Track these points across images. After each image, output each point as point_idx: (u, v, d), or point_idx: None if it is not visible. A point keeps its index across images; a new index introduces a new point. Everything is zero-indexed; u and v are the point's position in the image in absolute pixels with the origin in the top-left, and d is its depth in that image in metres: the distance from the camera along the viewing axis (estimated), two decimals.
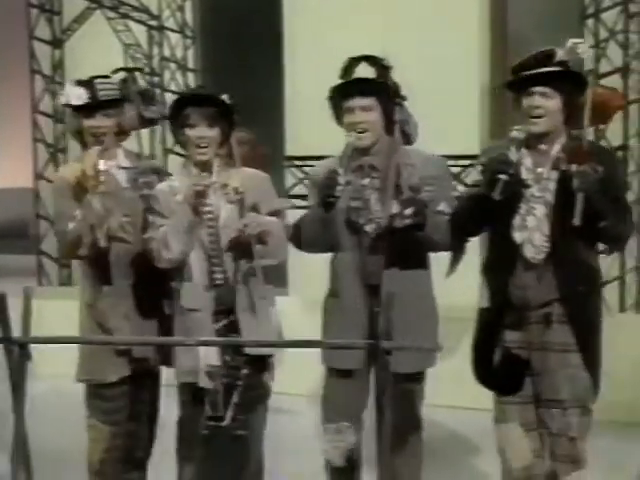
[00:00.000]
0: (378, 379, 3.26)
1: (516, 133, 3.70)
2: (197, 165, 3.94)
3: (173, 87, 8.86)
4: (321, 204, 3.91)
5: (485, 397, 3.88)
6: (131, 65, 8.63)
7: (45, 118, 9.18)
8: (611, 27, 7.98)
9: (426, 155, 4.06)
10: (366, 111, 3.91)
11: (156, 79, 8.85)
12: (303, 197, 4.67)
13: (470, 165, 6.41)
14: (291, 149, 7.60)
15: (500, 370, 3.75)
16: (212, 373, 3.90)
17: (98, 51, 8.80)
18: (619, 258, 6.73)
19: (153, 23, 8.93)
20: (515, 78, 3.74)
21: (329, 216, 3.93)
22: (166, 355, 4.14)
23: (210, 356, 3.89)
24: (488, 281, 3.81)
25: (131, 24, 8.88)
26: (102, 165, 4.01)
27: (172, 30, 8.93)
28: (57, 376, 6.51)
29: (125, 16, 8.87)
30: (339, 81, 3.99)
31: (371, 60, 3.97)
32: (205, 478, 3.47)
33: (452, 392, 5.71)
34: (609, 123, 4.01)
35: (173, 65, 8.95)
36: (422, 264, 4.06)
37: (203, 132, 3.91)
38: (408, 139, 4.07)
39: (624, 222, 3.68)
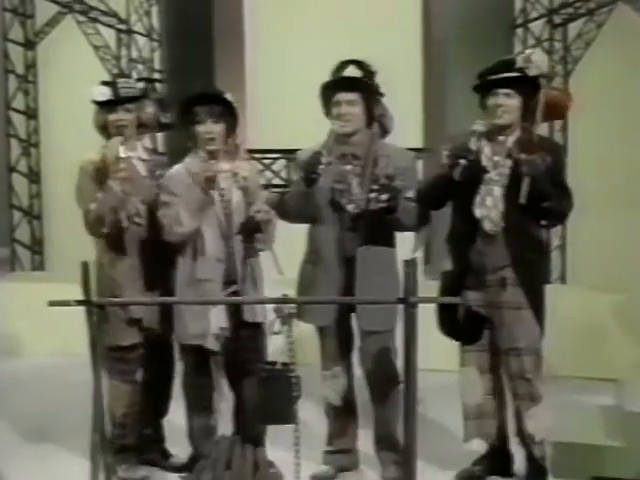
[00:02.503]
0: (406, 329, 3.50)
1: (477, 126, 4.26)
2: (206, 154, 4.34)
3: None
4: (305, 180, 4.34)
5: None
6: (103, 67, 9.06)
7: (18, 115, 9.38)
8: (538, 36, 8.63)
9: (399, 148, 4.55)
10: (351, 105, 4.37)
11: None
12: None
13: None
14: (252, 143, 8.02)
15: (463, 324, 4.28)
16: (219, 336, 4.32)
17: (69, 53, 9.18)
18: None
19: (121, 27, 9.16)
20: (482, 81, 4.30)
21: (311, 191, 4.35)
22: (172, 327, 4.50)
23: (220, 321, 4.30)
24: (452, 248, 4.34)
25: (100, 28, 9.12)
26: (123, 152, 4.42)
27: (139, 33, 9.20)
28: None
29: (95, 20, 9.10)
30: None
31: (358, 63, 4.44)
32: (264, 412, 3.81)
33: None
34: (563, 119, 4.55)
35: (140, 66, 9.18)
36: (391, 242, 4.51)
37: (210, 127, 4.32)
38: (385, 130, 4.55)
39: (565, 203, 4.25)
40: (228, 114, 4.39)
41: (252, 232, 4.30)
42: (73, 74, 9.11)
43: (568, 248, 7.90)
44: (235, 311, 4.35)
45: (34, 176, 9.47)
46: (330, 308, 4.43)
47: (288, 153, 7.32)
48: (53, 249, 9.48)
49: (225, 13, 8.92)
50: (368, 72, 4.47)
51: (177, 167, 4.43)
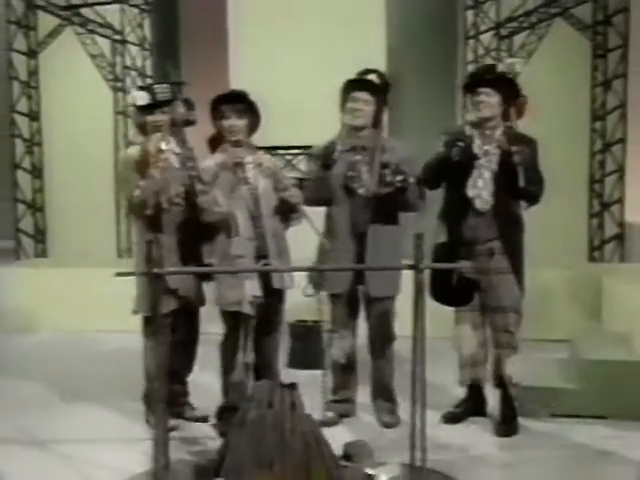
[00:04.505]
0: (416, 291, 3.65)
1: (469, 116, 4.63)
2: (232, 145, 4.60)
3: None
4: (323, 166, 4.65)
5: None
6: (99, 74, 9.24)
7: (22, 117, 9.55)
8: (487, 46, 9.05)
9: (398, 142, 4.89)
10: (366, 103, 4.68)
11: (119, 84, 9.40)
12: None
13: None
14: None
15: (457, 288, 4.58)
16: (254, 302, 4.54)
17: (68, 61, 9.38)
18: None
19: (116, 37, 9.38)
20: (468, 81, 4.70)
21: (327, 176, 4.66)
22: (201, 297, 4.76)
23: (254, 289, 4.53)
24: (446, 224, 4.66)
25: (97, 38, 9.35)
26: (164, 145, 4.67)
27: (133, 43, 9.40)
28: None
29: (92, 31, 9.32)
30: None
31: (379, 73, 4.76)
32: (298, 359, 4.05)
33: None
34: (521, 118, 4.90)
35: (134, 73, 9.40)
36: (396, 221, 4.79)
37: (234, 122, 4.57)
38: None
39: (540, 187, 4.61)
40: (251, 111, 4.64)
41: (286, 212, 4.59)
42: (72, 80, 9.41)
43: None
44: (266, 281, 4.58)
45: (37, 172, 9.65)
46: (345, 279, 4.71)
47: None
48: (54, 238, 9.64)
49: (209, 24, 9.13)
50: (385, 83, 4.78)
51: (207, 161, 4.66)
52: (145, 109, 4.74)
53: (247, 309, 4.51)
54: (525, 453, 4.37)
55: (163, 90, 4.74)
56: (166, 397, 4.76)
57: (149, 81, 9.08)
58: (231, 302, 4.54)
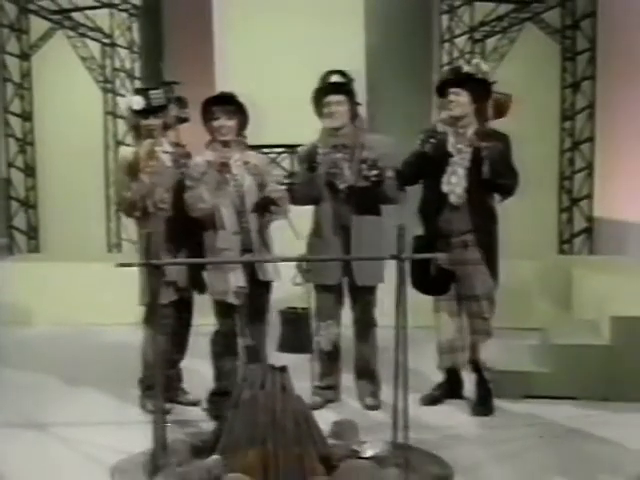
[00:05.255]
0: (398, 279, 3.81)
1: (443, 114, 4.77)
2: (221, 144, 4.69)
3: (123, 92, 9.28)
4: (308, 168, 4.78)
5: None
6: (89, 75, 9.30)
7: (15, 117, 9.59)
8: (461, 49, 9.19)
9: (378, 137, 4.99)
10: (339, 104, 4.80)
11: (109, 85, 9.47)
12: None
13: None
14: None
15: (434, 279, 4.71)
16: (239, 292, 4.65)
17: (59, 63, 9.45)
18: None
19: (106, 41, 9.44)
20: (439, 84, 4.86)
21: (313, 177, 4.78)
22: (199, 285, 4.81)
23: (238, 280, 4.65)
24: (423, 218, 4.80)
25: (87, 41, 9.40)
26: (157, 148, 4.73)
27: (121, 46, 9.45)
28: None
29: (82, 35, 9.38)
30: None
31: (341, 73, 4.87)
32: (288, 344, 4.19)
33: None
34: (505, 117, 5.01)
35: (123, 74, 9.46)
36: (377, 212, 4.92)
37: (224, 122, 4.67)
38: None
39: (513, 181, 4.74)
40: (240, 112, 4.73)
41: (268, 208, 4.66)
42: (63, 82, 9.47)
43: None
44: (251, 273, 4.69)
45: (29, 171, 9.70)
46: (335, 271, 4.82)
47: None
48: (47, 234, 9.70)
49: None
50: (349, 79, 4.91)
51: (197, 158, 4.76)
52: (140, 113, 4.82)
53: (232, 299, 4.64)
54: (500, 431, 4.52)
55: (158, 96, 4.82)
56: (171, 378, 4.93)
57: (140, 84, 9.15)
58: (218, 292, 4.67)
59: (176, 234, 4.80)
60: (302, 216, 4.87)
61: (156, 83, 4.97)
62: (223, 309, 4.72)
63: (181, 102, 4.93)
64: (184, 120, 4.96)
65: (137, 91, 4.95)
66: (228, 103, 4.73)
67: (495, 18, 9.07)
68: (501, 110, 4.87)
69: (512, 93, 4.92)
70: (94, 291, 7.11)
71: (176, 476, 3.57)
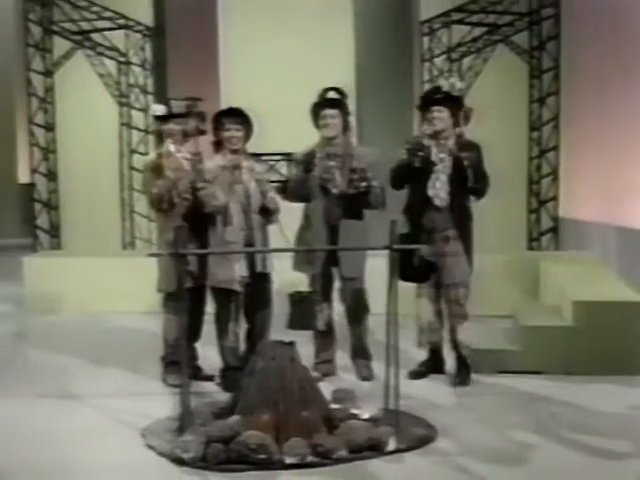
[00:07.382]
0: (390, 268, 4.10)
1: (427, 129, 4.99)
2: (230, 152, 4.94)
3: (137, 105, 9.58)
4: (304, 169, 5.01)
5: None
6: (106, 91, 9.45)
7: (39, 128, 9.74)
8: (440, 67, 9.34)
9: (366, 149, 5.25)
10: (333, 118, 5.05)
11: (124, 100, 9.64)
12: None
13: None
14: None
15: (418, 269, 4.89)
16: (241, 281, 4.88)
17: (79, 80, 9.60)
18: None
19: (121, 59, 9.59)
20: (422, 102, 5.09)
21: (307, 177, 5.01)
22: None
23: (242, 270, 4.88)
24: (409, 217, 4.99)
25: (105, 60, 9.56)
26: (173, 149, 4.96)
27: (136, 64, 9.60)
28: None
29: (100, 54, 9.55)
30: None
31: (336, 89, 5.12)
32: (296, 322, 4.48)
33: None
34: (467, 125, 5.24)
35: (137, 90, 9.62)
36: (362, 216, 5.13)
37: (233, 133, 4.90)
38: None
39: (485, 184, 4.97)
40: (246, 123, 4.96)
41: (266, 212, 4.95)
42: (83, 96, 9.63)
43: None
44: (251, 264, 4.93)
45: (52, 176, 9.84)
46: (318, 262, 5.04)
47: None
48: (67, 233, 9.84)
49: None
50: (343, 95, 5.15)
51: (210, 163, 4.97)
52: (161, 119, 5.05)
53: (236, 287, 4.86)
54: (476, 399, 4.76)
55: (178, 105, 5.03)
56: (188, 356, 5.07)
57: (152, 98, 9.30)
58: (222, 280, 4.87)
59: (189, 229, 4.93)
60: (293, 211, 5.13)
61: (181, 97, 5.14)
62: (226, 297, 4.91)
63: (201, 116, 5.09)
64: (202, 132, 5.12)
65: (161, 100, 5.11)
66: (236, 115, 4.95)
67: (470, 40, 9.27)
68: (467, 119, 5.12)
69: (475, 107, 5.14)
70: (111, 283, 7.30)
71: (201, 434, 3.81)
